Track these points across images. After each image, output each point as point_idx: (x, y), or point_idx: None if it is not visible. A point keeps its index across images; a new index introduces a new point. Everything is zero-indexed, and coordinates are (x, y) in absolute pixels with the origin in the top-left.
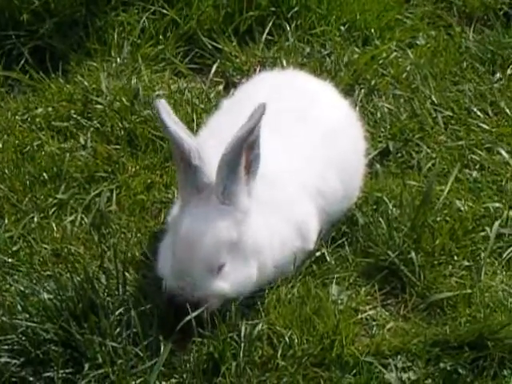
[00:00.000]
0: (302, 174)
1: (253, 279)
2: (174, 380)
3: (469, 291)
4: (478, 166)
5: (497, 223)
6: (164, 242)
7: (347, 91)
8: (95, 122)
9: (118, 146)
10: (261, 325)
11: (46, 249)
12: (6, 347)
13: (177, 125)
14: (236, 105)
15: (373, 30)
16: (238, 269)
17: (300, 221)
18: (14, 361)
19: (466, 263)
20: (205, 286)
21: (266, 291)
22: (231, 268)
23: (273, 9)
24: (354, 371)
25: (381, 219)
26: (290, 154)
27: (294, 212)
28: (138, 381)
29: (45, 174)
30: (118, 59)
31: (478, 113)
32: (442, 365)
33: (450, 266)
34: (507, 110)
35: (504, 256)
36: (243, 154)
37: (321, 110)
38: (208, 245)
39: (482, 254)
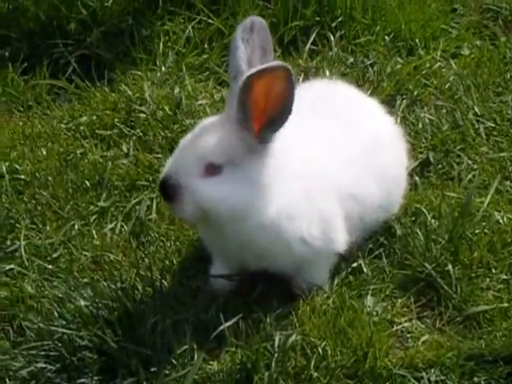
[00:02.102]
0: (335, 173)
1: (249, 202)
2: None
3: (506, 305)
4: None
5: None
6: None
7: (389, 101)
8: (138, 130)
9: (159, 155)
10: (295, 335)
11: (85, 256)
12: (42, 353)
13: (245, 43)
14: None
15: (417, 40)
16: (236, 183)
17: (326, 218)
18: (50, 367)
19: (504, 276)
20: (191, 178)
21: (301, 301)
22: (228, 178)
23: (317, 19)
24: None
25: (418, 231)
26: (330, 154)
27: (321, 208)
28: None
29: (87, 182)
30: (163, 68)
31: None
32: (476, 379)
33: (488, 279)
34: None
35: None
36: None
37: (366, 119)
38: (205, 143)
39: None
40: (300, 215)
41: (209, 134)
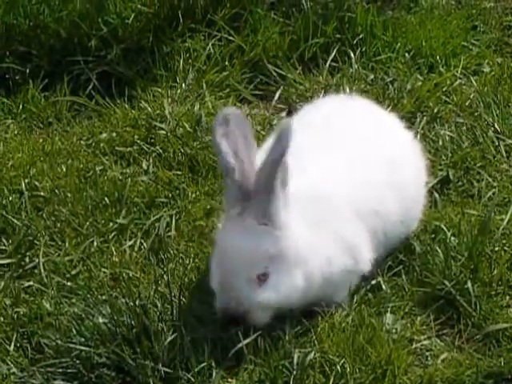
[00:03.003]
0: (355, 194)
1: (298, 288)
2: None
3: None
4: None
5: None
6: (212, 256)
7: (409, 118)
8: (158, 147)
9: (179, 172)
10: (313, 353)
11: (104, 273)
12: (60, 370)
13: (227, 138)
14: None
15: (438, 57)
16: (282, 279)
17: (350, 240)
18: None
19: None
20: (247, 297)
21: (320, 319)
22: (274, 279)
23: (338, 36)
24: None
25: (438, 248)
26: (346, 174)
27: (343, 230)
28: None
29: (106, 199)
30: (183, 85)
31: None
32: None
33: (508, 297)
34: None
35: None
36: (279, 174)
37: (387, 136)
38: (244, 260)
39: None
40: (327, 246)
41: (240, 248)
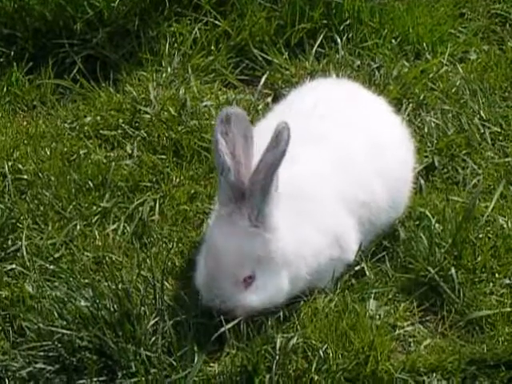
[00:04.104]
0: (341, 184)
1: (284, 291)
2: None
3: (508, 310)
4: None
5: None
6: (200, 253)
7: (395, 105)
8: (142, 131)
9: (163, 156)
10: (296, 338)
11: (87, 256)
12: (42, 353)
13: (224, 136)
14: (285, 110)
15: (425, 44)
16: (268, 281)
17: (336, 231)
18: (50, 367)
19: (507, 281)
20: (232, 298)
21: (302, 304)
22: (261, 281)
23: (324, 21)
24: None
25: (422, 235)
26: (330, 163)
27: (330, 223)
28: None
29: (90, 182)
30: (169, 69)
31: None
32: (477, 383)
33: (491, 284)
34: None
35: None
36: (275, 178)
37: (373, 120)
38: (232, 260)
39: None
40: (314, 240)
41: (229, 249)
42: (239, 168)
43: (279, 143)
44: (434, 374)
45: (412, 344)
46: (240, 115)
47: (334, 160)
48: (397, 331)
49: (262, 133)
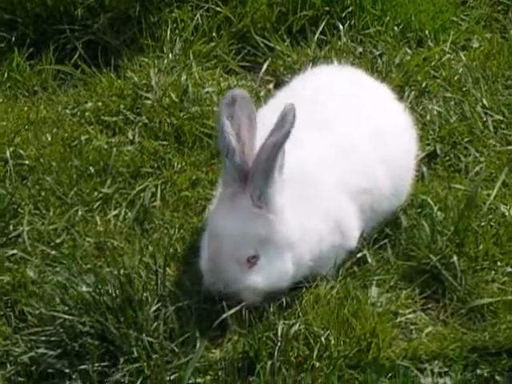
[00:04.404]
0: (343, 171)
1: (288, 273)
2: (208, 377)
3: (510, 298)
4: None
5: None
6: (203, 237)
7: (397, 93)
8: (144, 117)
9: (165, 142)
10: (298, 324)
11: (88, 242)
12: (43, 338)
13: (230, 119)
14: (288, 96)
15: (427, 32)
16: (272, 263)
17: (338, 217)
18: (51, 352)
19: (509, 269)
20: (235, 280)
21: (304, 291)
22: (264, 262)
23: (327, 8)
24: (390, 375)
25: (424, 222)
26: (332, 149)
27: (331, 209)
28: (172, 376)
29: (91, 168)
30: (170, 55)
31: None
32: (479, 371)
33: (493, 272)
34: None
35: None
36: (278, 158)
37: (376, 107)
38: (234, 241)
39: None
40: (317, 226)
41: (231, 229)
42: (244, 149)
43: (284, 124)
44: (436, 362)
45: (414, 331)
46: (245, 97)
47: (337, 146)
48: (398, 318)
49: (265, 119)
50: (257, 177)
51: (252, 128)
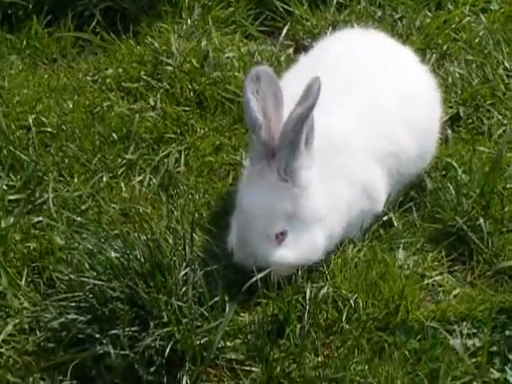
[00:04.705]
0: (369, 135)
1: (319, 246)
2: (238, 340)
3: None
4: None
5: None
6: (234, 213)
7: (418, 56)
8: (165, 83)
9: (187, 108)
10: (326, 288)
11: (114, 208)
12: (73, 304)
13: (255, 95)
14: (311, 62)
15: None
16: (301, 237)
17: (366, 183)
18: (81, 318)
19: None
20: (265, 255)
21: (332, 254)
22: (293, 237)
23: None
24: (419, 336)
25: (449, 185)
26: (358, 114)
27: (359, 174)
28: (202, 340)
29: (114, 135)
30: (189, 21)
31: None
32: (507, 332)
33: None
34: None
35: None
36: (304, 130)
37: (400, 71)
38: (262, 216)
39: None
40: (345, 193)
41: (259, 205)
42: (270, 125)
43: (310, 95)
44: (464, 323)
45: (441, 293)
46: (269, 74)
47: (363, 111)
48: (426, 281)
49: (288, 86)
50: (282, 149)
51: (278, 104)
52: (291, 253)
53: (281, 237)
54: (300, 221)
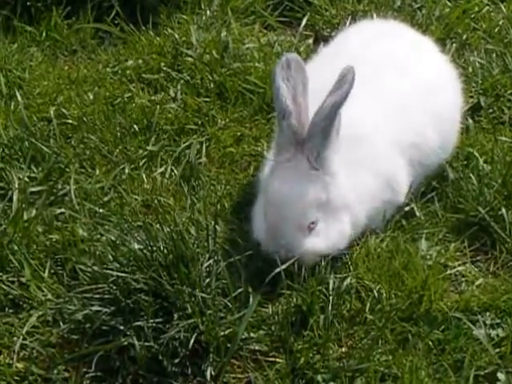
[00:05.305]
0: (392, 126)
1: (346, 234)
2: (262, 331)
3: None
4: None
5: None
6: (257, 204)
7: (438, 46)
8: (185, 74)
9: (207, 99)
10: (349, 278)
11: (136, 200)
12: (97, 296)
13: (285, 82)
14: (332, 53)
15: None
16: (331, 225)
17: (389, 174)
18: (105, 309)
19: None
20: (298, 245)
21: (354, 245)
22: (323, 225)
23: None
24: (443, 327)
25: (471, 175)
26: (381, 106)
27: (382, 165)
28: (226, 331)
29: (135, 126)
30: (208, 12)
31: None
32: None
33: None
34: None
35: None
36: (336, 119)
37: (422, 61)
38: (296, 208)
39: None
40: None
41: (291, 195)
42: (300, 112)
43: (343, 85)
44: (488, 313)
45: (464, 284)
46: (299, 61)
47: (385, 102)
48: (448, 271)
49: (310, 76)
50: (314, 137)
51: (305, 93)
52: (322, 241)
53: (312, 226)
54: (330, 208)
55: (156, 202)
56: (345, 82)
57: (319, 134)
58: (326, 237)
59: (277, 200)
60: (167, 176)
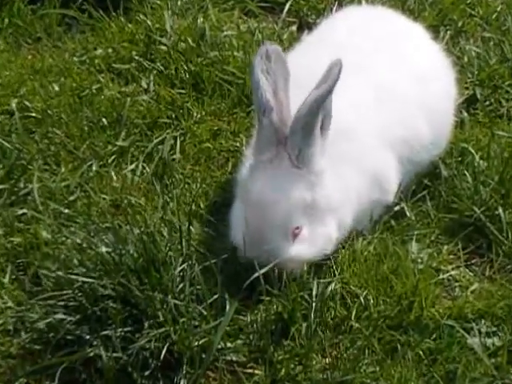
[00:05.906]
0: (380, 119)
1: (333, 238)
2: (239, 341)
3: None
4: None
5: None
6: (235, 207)
7: (431, 33)
8: (158, 64)
9: (182, 91)
10: (334, 284)
11: (104, 199)
12: (61, 303)
13: (265, 74)
14: (316, 42)
15: None
16: (316, 230)
17: (377, 172)
18: (70, 318)
19: None
20: (282, 251)
21: (340, 247)
22: (309, 231)
23: None
24: (434, 335)
25: (466, 172)
26: (368, 97)
27: (370, 163)
28: (201, 341)
29: (104, 120)
30: None
31: None
32: None
33: None
34: None
35: None
36: (320, 115)
37: (412, 49)
38: (280, 210)
39: None
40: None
41: (274, 198)
42: (282, 108)
43: (329, 78)
44: (483, 321)
45: (458, 289)
46: (280, 53)
47: (373, 93)
48: (441, 275)
49: (293, 67)
50: (296, 133)
51: (287, 89)
52: (308, 247)
53: (297, 231)
54: (315, 211)
55: (126, 201)
56: (330, 77)
57: (301, 129)
58: (313, 243)
59: (259, 202)
60: (138, 174)
